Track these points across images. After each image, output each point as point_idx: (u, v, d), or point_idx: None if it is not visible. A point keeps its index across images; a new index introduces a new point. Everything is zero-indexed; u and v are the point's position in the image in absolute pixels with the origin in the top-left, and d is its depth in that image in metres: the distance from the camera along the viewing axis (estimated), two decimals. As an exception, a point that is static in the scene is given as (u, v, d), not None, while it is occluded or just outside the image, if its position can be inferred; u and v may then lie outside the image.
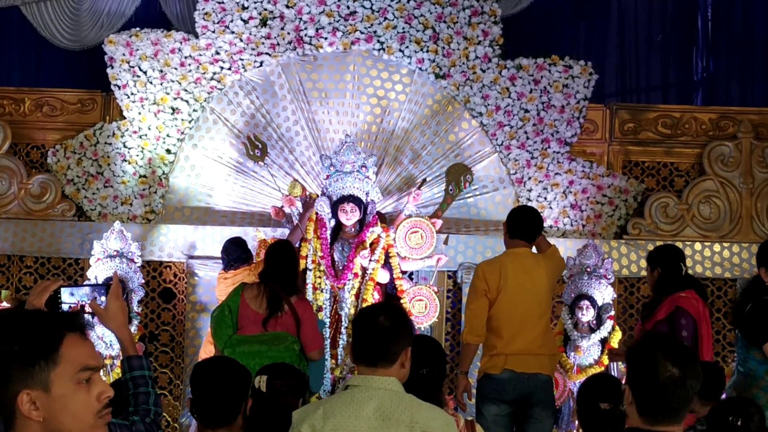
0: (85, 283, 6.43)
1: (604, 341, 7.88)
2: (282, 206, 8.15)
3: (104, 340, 7.80)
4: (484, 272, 5.65)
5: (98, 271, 8.13)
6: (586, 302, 7.90)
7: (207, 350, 7.56)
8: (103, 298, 3.33)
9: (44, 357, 2.04)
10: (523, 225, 5.77)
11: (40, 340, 2.05)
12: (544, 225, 8.75)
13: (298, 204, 8.04)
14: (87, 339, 2.15)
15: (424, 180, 8.58)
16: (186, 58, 8.94)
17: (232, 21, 8.89)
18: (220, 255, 8.13)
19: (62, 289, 2.93)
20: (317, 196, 7.99)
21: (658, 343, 2.73)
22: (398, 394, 3.05)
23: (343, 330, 7.74)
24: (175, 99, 8.95)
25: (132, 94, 8.95)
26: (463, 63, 8.87)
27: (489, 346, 5.60)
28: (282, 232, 8.41)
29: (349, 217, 7.86)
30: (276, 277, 5.70)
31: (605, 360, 7.79)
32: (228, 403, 3.47)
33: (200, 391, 3.51)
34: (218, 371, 3.58)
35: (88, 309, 2.97)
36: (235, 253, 7.97)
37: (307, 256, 7.83)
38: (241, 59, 8.93)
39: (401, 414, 2.98)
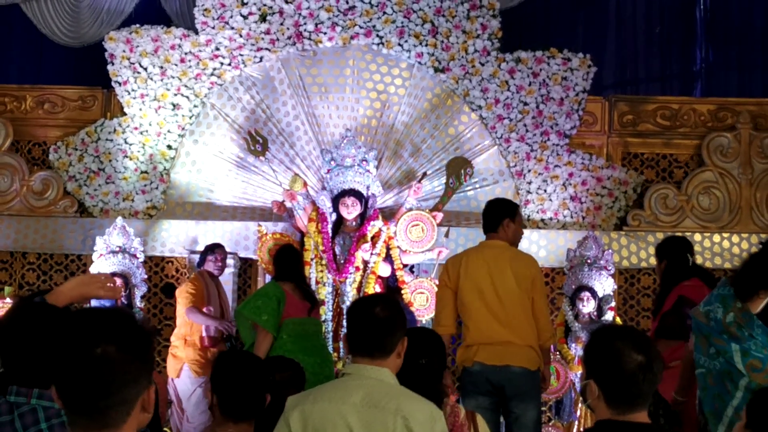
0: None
1: (604, 332, 7.85)
2: (283, 201, 8.15)
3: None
4: (447, 263, 5.75)
5: (101, 266, 8.15)
6: (587, 293, 7.89)
7: (193, 329, 7.69)
8: None
9: (153, 356, 2.11)
10: (485, 218, 5.75)
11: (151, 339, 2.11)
12: (544, 217, 8.82)
13: (300, 198, 8.04)
14: None
15: (425, 173, 8.58)
16: (186, 54, 8.95)
17: (231, 17, 8.91)
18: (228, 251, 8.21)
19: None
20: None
21: (614, 333, 2.76)
22: (389, 384, 3.07)
23: (344, 323, 7.74)
24: (175, 95, 8.97)
25: (132, 90, 8.98)
26: (462, 56, 8.86)
27: (464, 338, 5.61)
28: (283, 227, 8.44)
29: (350, 211, 7.88)
30: (296, 276, 6.30)
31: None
32: (255, 397, 3.53)
33: (227, 386, 3.53)
34: (245, 366, 3.63)
35: None
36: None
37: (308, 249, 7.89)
38: (241, 55, 8.94)
39: (388, 402, 2.98)
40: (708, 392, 4.34)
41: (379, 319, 3.10)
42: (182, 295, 7.72)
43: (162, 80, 8.96)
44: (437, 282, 8.07)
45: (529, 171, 8.88)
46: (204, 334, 7.69)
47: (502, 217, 5.68)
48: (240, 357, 3.85)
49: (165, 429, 7.62)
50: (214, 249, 7.97)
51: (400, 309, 3.22)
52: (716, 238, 8.88)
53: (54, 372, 1.98)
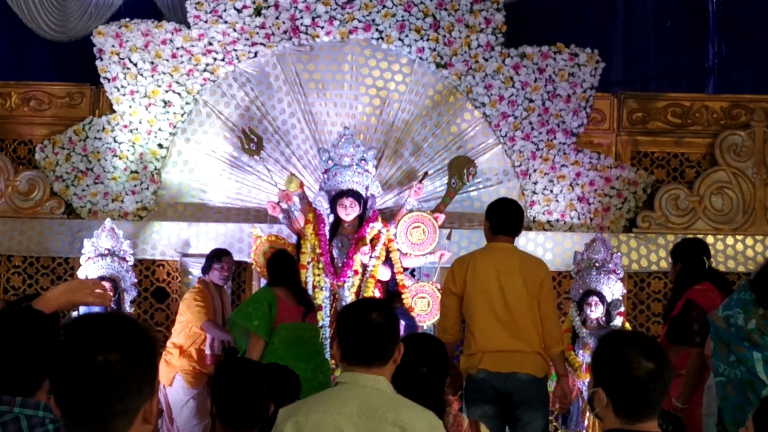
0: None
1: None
2: (278, 202, 7.97)
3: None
4: (453, 267, 5.62)
5: (89, 270, 8.02)
6: (595, 298, 7.77)
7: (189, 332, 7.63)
8: None
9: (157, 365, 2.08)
10: (505, 219, 5.60)
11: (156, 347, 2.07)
12: (551, 219, 8.73)
13: (296, 199, 7.92)
14: None
15: (426, 173, 8.44)
16: (178, 49, 8.83)
17: (225, 10, 8.78)
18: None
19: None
20: None
21: (623, 340, 2.75)
22: (385, 393, 3.01)
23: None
24: (166, 92, 8.83)
25: (122, 86, 8.85)
26: (465, 52, 8.73)
27: (467, 345, 5.52)
28: (279, 229, 8.30)
29: (349, 212, 7.72)
30: (290, 281, 6.37)
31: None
32: (254, 406, 3.55)
33: (226, 395, 3.56)
34: (244, 374, 3.66)
35: None
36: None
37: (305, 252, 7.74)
38: (235, 50, 8.80)
39: (386, 412, 2.92)
40: (729, 402, 4.23)
41: (376, 325, 3.03)
42: (192, 309, 7.56)
43: (153, 76, 8.81)
44: (439, 286, 7.95)
45: (535, 171, 8.74)
46: (208, 351, 7.57)
47: (521, 223, 5.69)
48: (240, 365, 3.85)
49: (154, 440, 7.49)
50: (221, 257, 7.83)
51: (394, 313, 3.14)
52: (729, 240, 8.72)
53: (53, 380, 1.96)
